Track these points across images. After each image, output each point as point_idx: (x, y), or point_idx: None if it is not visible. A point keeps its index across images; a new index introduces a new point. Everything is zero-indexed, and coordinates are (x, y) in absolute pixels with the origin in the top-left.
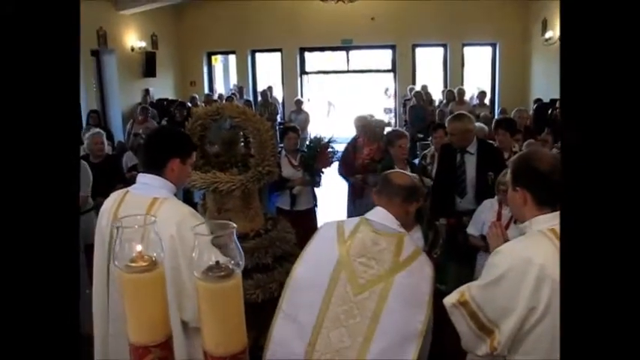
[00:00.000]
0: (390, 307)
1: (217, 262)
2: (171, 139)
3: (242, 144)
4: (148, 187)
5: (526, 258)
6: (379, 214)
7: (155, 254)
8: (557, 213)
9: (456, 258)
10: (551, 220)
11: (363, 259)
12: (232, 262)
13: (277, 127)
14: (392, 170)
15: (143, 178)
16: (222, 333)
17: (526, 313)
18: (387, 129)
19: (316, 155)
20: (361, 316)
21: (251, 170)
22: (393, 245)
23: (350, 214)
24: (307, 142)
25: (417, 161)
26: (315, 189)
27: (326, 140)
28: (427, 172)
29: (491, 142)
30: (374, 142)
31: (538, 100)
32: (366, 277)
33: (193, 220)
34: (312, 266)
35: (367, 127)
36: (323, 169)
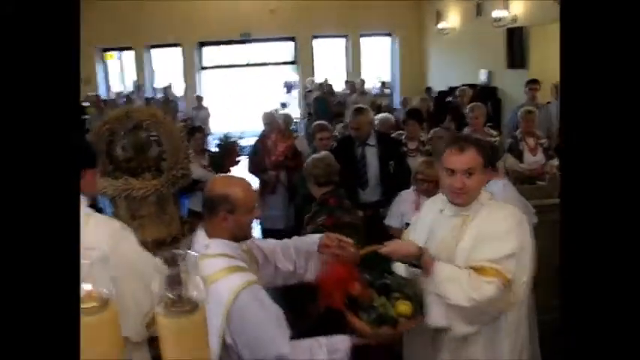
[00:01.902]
0: None
1: (179, 296)
2: (82, 150)
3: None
4: None
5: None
6: (196, 232)
7: (106, 291)
8: None
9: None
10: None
11: None
12: (195, 293)
13: (179, 124)
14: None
15: None
16: None
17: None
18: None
19: (225, 154)
20: None
21: (165, 174)
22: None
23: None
24: (217, 142)
25: None
26: None
27: (233, 139)
28: None
29: (400, 132)
30: (288, 138)
31: (428, 90)
32: None
33: (124, 232)
34: None
35: (278, 123)
36: (231, 168)
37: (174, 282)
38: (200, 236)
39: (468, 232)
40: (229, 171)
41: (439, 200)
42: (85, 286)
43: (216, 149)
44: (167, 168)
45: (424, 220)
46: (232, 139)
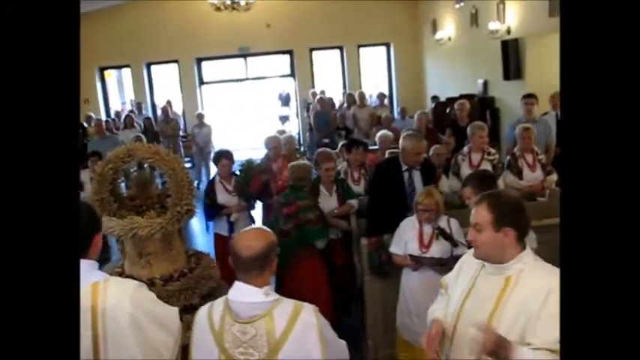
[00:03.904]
0: None
1: None
2: (91, 214)
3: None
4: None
5: None
6: (240, 291)
7: None
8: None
9: (380, 276)
10: (532, 253)
11: (241, 349)
12: None
13: (180, 143)
14: (242, 232)
15: None
16: None
17: None
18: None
19: (250, 180)
20: None
21: (169, 211)
22: (262, 327)
23: None
24: (240, 167)
25: None
26: (252, 212)
27: (257, 163)
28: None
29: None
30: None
31: (434, 98)
32: None
33: (142, 289)
34: None
35: (282, 147)
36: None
37: None
38: (248, 290)
39: (512, 299)
40: (253, 196)
41: None
42: None
43: (239, 174)
44: (171, 205)
45: (466, 274)
46: (256, 164)
